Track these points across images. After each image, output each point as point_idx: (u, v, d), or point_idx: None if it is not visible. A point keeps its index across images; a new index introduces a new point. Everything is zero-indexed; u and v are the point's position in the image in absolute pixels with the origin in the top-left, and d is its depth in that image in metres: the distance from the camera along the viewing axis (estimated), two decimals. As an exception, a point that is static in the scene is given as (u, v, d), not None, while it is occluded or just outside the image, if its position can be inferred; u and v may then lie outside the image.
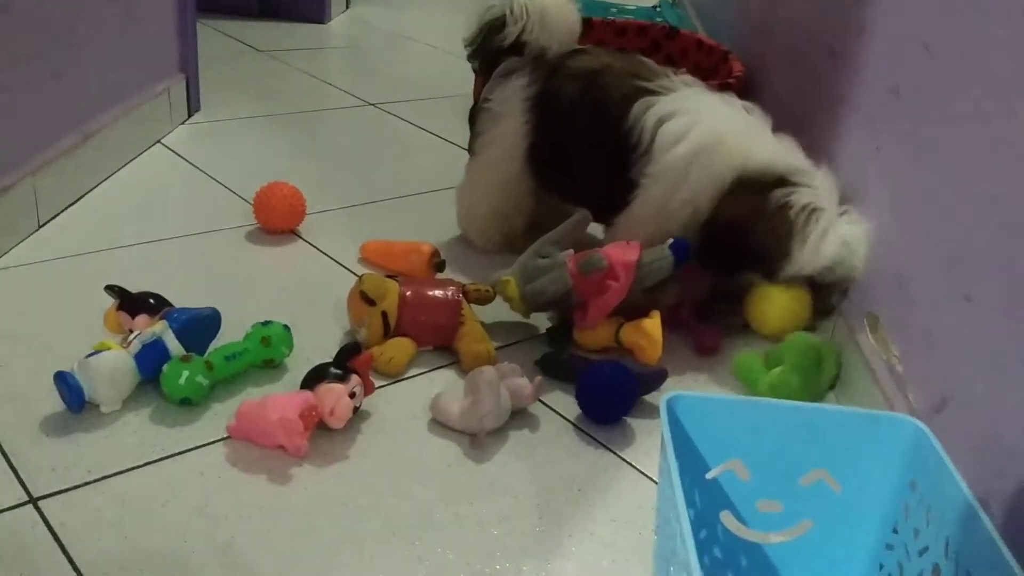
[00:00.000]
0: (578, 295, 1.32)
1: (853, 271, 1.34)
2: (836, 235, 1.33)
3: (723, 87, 1.94)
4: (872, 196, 1.33)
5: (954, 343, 1.03)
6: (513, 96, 1.52)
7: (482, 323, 1.33)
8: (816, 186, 1.37)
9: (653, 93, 1.42)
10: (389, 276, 1.34)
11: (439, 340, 1.31)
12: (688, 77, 1.48)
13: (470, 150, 1.62)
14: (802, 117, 1.71)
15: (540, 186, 1.57)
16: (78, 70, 1.64)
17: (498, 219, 1.61)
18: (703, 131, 1.38)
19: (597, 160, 1.47)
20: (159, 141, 1.97)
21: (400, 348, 1.27)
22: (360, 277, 1.31)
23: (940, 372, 1.05)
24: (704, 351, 1.38)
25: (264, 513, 1.00)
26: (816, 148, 1.57)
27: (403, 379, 1.26)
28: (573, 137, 1.49)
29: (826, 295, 1.37)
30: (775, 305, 1.39)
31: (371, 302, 1.27)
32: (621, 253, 1.32)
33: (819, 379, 1.28)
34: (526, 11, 1.50)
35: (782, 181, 1.36)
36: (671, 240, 1.35)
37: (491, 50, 1.55)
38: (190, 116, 2.12)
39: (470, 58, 1.60)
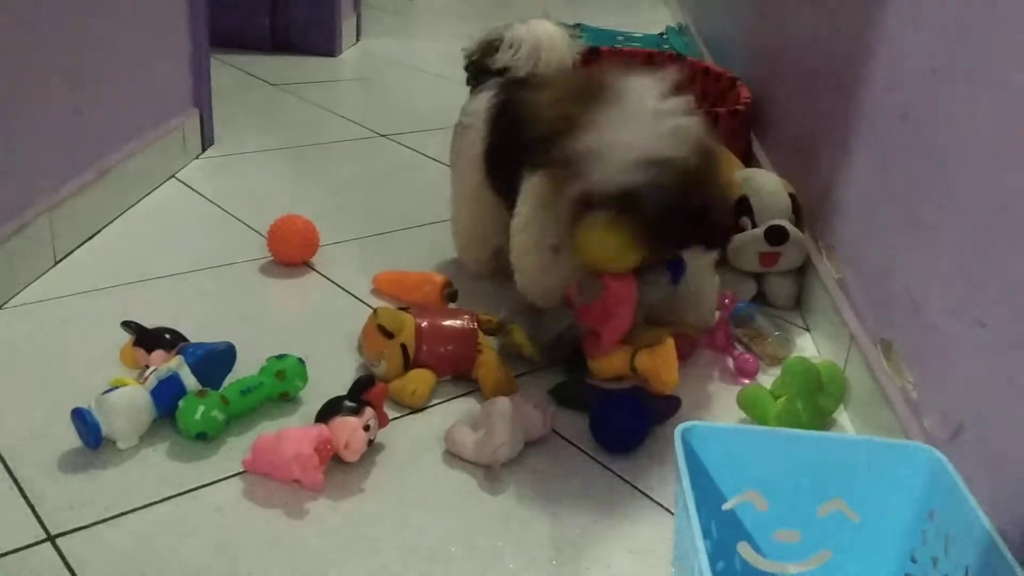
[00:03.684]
0: (585, 324, 1.31)
1: None
2: None
3: (732, 113, 1.95)
4: (883, 222, 1.33)
5: (969, 369, 1.02)
6: (479, 108, 1.53)
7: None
8: None
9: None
10: (400, 308, 1.34)
11: (458, 369, 1.31)
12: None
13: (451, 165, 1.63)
14: (811, 143, 1.71)
15: (494, 192, 1.54)
16: (93, 107, 1.66)
17: (477, 234, 1.61)
18: None
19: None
20: (174, 176, 1.99)
21: (422, 379, 1.27)
22: (374, 311, 1.31)
23: (955, 398, 1.04)
24: (744, 374, 1.40)
25: (280, 548, 1.00)
26: (826, 174, 1.57)
27: (417, 411, 1.26)
28: (515, 145, 1.43)
29: None
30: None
31: (389, 335, 1.28)
32: (616, 276, 1.28)
33: (824, 402, 1.27)
34: (520, 42, 1.50)
35: None
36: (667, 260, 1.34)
37: (482, 69, 1.56)
38: (204, 151, 2.14)
39: (466, 69, 1.61)
